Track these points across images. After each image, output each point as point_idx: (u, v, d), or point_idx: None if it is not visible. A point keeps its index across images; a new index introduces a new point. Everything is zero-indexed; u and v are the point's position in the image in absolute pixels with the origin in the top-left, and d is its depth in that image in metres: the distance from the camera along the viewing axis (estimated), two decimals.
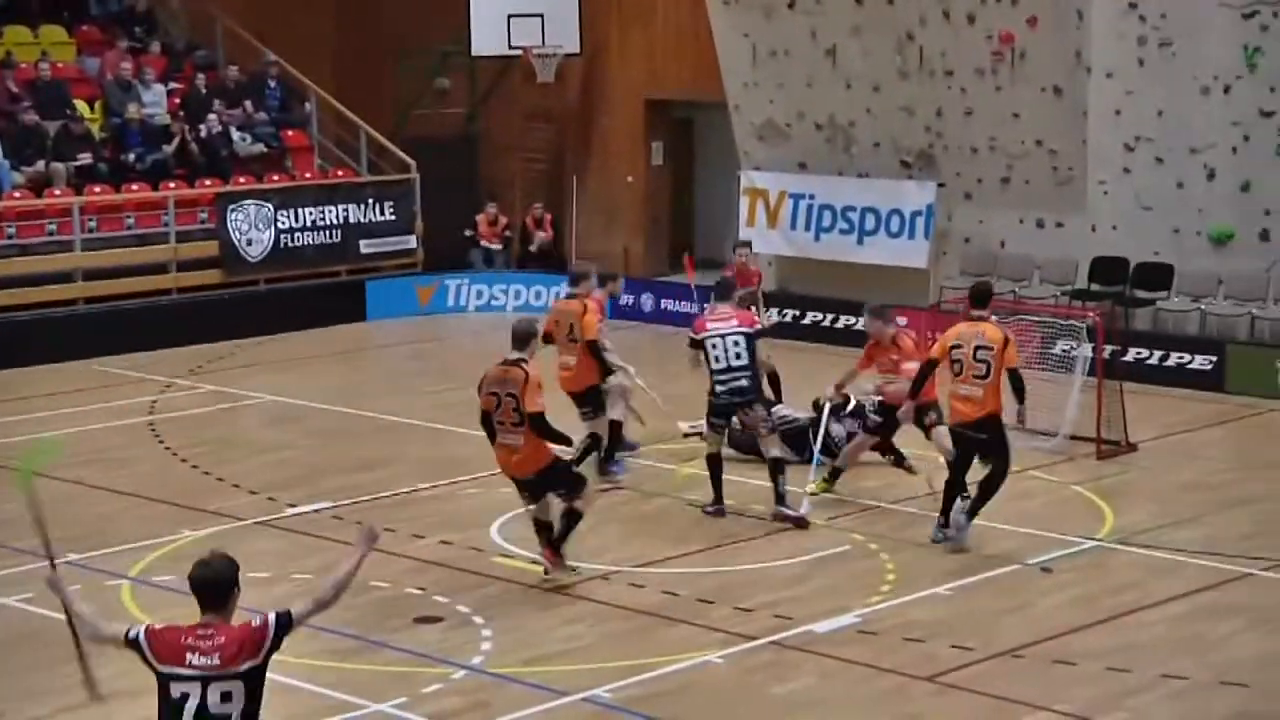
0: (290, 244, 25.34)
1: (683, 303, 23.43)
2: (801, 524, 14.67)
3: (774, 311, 20.24)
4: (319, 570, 13.17)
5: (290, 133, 27.08)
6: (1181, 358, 20.55)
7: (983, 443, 13.84)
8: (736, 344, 14.77)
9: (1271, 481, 16.36)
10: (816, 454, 15.62)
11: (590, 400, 15.88)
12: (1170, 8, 21.13)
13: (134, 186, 24.54)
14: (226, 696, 7.03)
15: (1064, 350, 18.48)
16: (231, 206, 24.79)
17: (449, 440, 18.10)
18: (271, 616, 7.22)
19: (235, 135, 26.02)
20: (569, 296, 16.30)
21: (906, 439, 15.68)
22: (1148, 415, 18.20)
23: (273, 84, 27.16)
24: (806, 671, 11.53)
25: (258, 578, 12.61)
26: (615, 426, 16.30)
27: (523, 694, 11.13)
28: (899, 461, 16.46)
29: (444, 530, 14.71)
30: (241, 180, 25.45)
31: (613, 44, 28.09)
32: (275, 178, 25.97)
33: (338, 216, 25.85)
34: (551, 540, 13.14)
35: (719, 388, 14.80)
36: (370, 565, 13.27)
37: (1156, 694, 11.10)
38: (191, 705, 7.00)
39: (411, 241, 26.57)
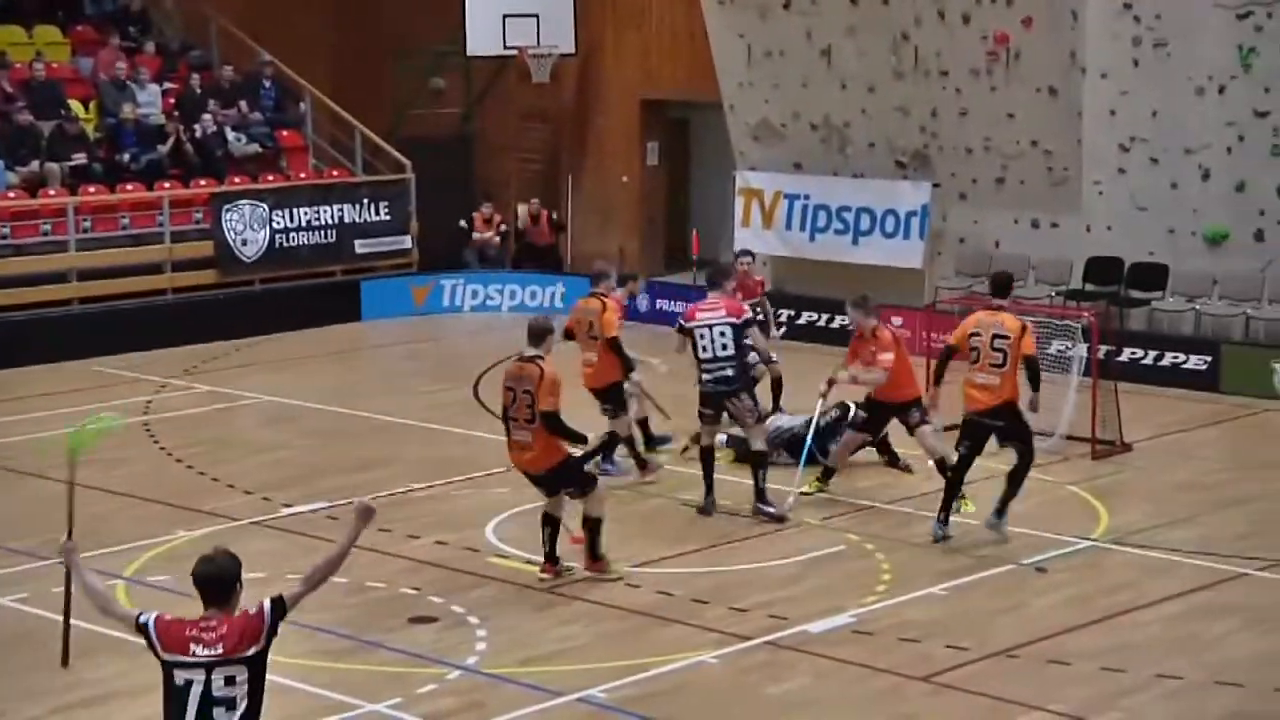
0: (285, 244, 25.32)
1: (678, 302, 23.42)
2: (779, 520, 14.77)
3: (778, 325, 20.17)
4: None
5: (285, 133, 27.06)
6: (1176, 358, 20.56)
7: (1000, 430, 14.00)
8: (723, 334, 14.88)
9: (1266, 481, 16.37)
10: (804, 456, 15.61)
11: (612, 398, 15.96)
12: (1165, 8, 21.14)
13: (129, 187, 24.52)
14: (230, 681, 7.18)
15: (1059, 350, 18.47)
16: (226, 207, 24.77)
17: (444, 440, 18.11)
18: (267, 603, 7.35)
19: (230, 135, 26.00)
20: (589, 295, 16.43)
21: (906, 439, 15.70)
22: (1143, 415, 18.21)
23: (267, 84, 27.15)
24: (801, 672, 11.53)
25: (253, 578, 12.46)
26: (642, 424, 16.53)
27: (518, 694, 11.13)
28: (893, 462, 16.49)
29: (439, 530, 14.71)
30: (236, 180, 25.43)
31: (608, 44, 28.10)
32: (270, 178, 25.95)
33: (333, 216, 25.83)
34: (561, 544, 13.34)
35: (705, 376, 14.99)
36: (365, 565, 13.42)
37: (1151, 694, 11.10)
38: (196, 690, 7.15)
39: (407, 241, 26.56)
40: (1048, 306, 21.13)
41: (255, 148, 26.26)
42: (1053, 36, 21.91)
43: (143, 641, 7.33)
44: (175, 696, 7.19)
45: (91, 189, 24.16)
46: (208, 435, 18.71)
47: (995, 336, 13.84)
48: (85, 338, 22.75)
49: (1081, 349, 18.02)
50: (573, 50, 27.51)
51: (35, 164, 23.96)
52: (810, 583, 13.37)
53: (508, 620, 12.50)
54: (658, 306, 24.93)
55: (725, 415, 15.23)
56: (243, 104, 26.53)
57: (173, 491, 16.15)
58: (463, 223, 27.39)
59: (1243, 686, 11.18)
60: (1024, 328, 13.93)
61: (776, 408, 17.93)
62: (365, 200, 26.19)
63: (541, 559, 13.38)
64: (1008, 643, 11.96)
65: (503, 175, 29.21)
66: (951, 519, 14.27)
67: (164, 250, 24.41)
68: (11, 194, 23.56)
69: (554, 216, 27.75)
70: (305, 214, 25.55)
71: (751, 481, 15.06)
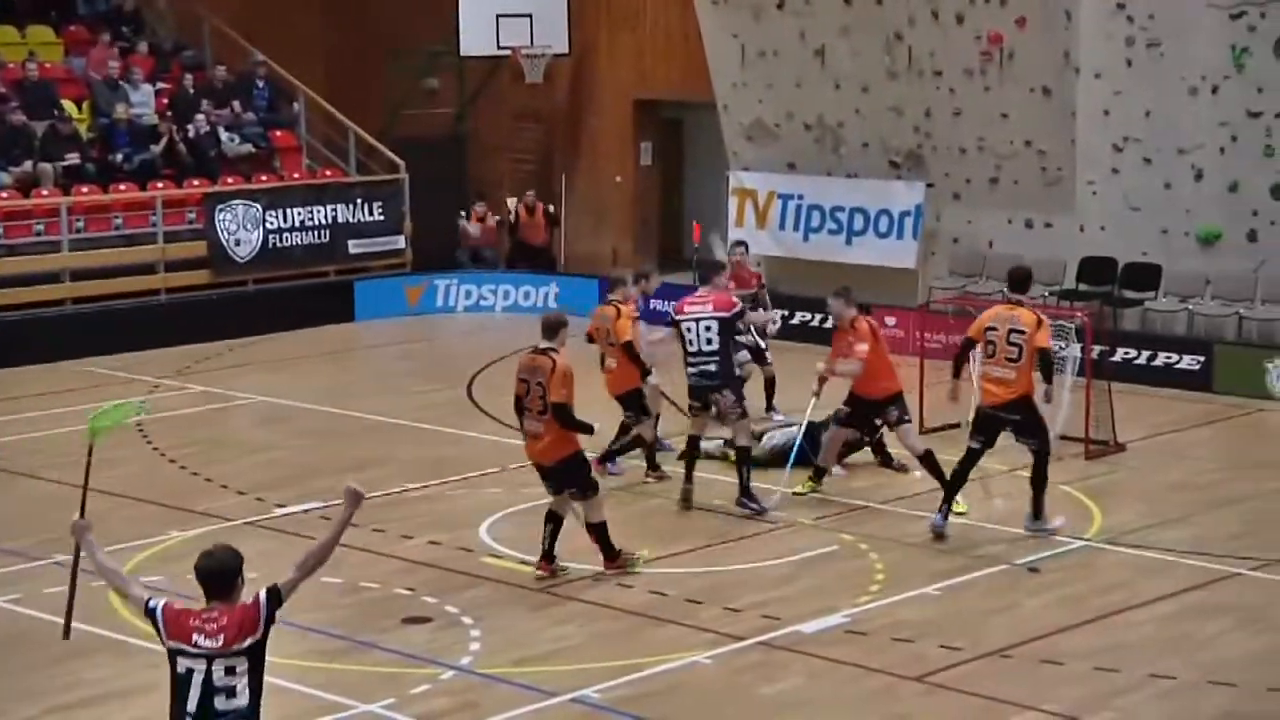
0: (279, 244, 25.31)
1: (672, 302, 23.39)
2: (761, 514, 14.87)
3: (777, 313, 20.19)
4: None
5: (278, 133, 27.05)
6: (1169, 358, 20.58)
7: (1016, 424, 14.08)
8: (708, 329, 14.98)
9: (1259, 481, 16.38)
10: (793, 455, 15.59)
11: (633, 404, 16.00)
12: (1158, 8, 21.16)
13: (122, 187, 24.50)
14: (230, 670, 7.35)
15: (1053, 350, 18.46)
16: (220, 207, 24.76)
17: (438, 440, 18.11)
18: (262, 593, 7.51)
19: (223, 135, 26.00)
20: (606, 303, 16.49)
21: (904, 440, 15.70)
22: (1136, 415, 18.23)
23: (261, 84, 27.14)
24: (795, 672, 11.53)
25: (247, 578, 12.56)
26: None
27: (511, 694, 11.13)
28: (887, 462, 16.48)
29: (433, 530, 14.71)
30: (230, 180, 25.42)
31: (601, 44, 28.09)
32: (263, 178, 25.94)
33: (326, 217, 25.82)
34: (561, 544, 13.35)
35: (690, 370, 15.14)
36: (359, 565, 13.43)
37: (1144, 694, 11.11)
38: (198, 679, 7.33)
39: (400, 241, 26.55)
40: (1041, 306, 21.10)
41: (248, 148, 26.25)
42: (1046, 36, 21.93)
43: (140, 641, 7.38)
44: (178, 683, 7.36)
45: (85, 189, 24.14)
46: (201, 435, 18.70)
47: (1012, 331, 13.93)
48: (78, 338, 22.73)
49: (1075, 349, 18.01)
50: (566, 50, 27.51)
51: (28, 164, 23.94)
52: (804, 583, 13.37)
53: (502, 620, 12.50)
54: (652, 306, 24.84)
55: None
56: (236, 104, 26.52)
57: (166, 492, 16.14)
58: (463, 214, 27.41)
59: (1236, 686, 11.19)
60: (1039, 321, 14.00)
61: (770, 408, 17.96)
62: (359, 200, 26.17)
63: (538, 556, 13.38)
64: (1001, 642, 11.97)
65: (496, 175, 29.20)
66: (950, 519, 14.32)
67: (157, 250, 24.38)
68: (4, 194, 23.53)
69: (549, 209, 27.74)
70: (299, 214, 25.53)
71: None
